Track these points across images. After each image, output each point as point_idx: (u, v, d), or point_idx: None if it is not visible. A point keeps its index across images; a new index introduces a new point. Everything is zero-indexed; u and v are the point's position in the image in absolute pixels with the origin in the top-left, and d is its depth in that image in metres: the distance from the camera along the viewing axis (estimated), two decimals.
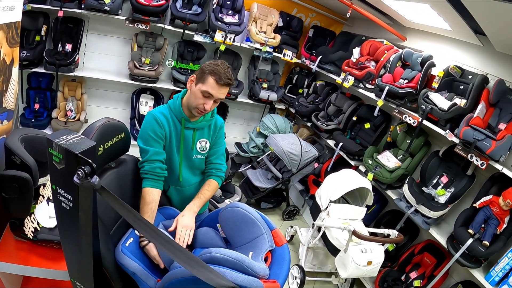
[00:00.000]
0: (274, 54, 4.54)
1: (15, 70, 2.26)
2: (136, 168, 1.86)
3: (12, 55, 2.16)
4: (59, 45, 3.79)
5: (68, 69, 3.72)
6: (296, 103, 4.65)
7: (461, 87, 2.85)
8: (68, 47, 3.80)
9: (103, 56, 4.23)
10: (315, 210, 3.14)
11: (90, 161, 1.05)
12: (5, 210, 1.89)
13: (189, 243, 1.73)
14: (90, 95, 4.23)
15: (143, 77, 4.09)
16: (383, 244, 2.74)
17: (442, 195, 2.84)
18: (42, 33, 3.66)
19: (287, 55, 4.53)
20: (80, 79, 4.05)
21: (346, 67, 3.81)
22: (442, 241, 2.73)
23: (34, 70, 3.66)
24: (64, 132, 1.13)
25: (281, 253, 1.61)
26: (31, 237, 1.91)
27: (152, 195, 1.78)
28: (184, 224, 1.74)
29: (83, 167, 1.04)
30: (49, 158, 1.12)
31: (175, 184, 2.01)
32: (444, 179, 2.94)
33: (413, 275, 2.99)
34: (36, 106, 3.89)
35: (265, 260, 1.56)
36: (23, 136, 1.96)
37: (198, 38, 4.22)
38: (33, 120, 3.78)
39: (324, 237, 2.92)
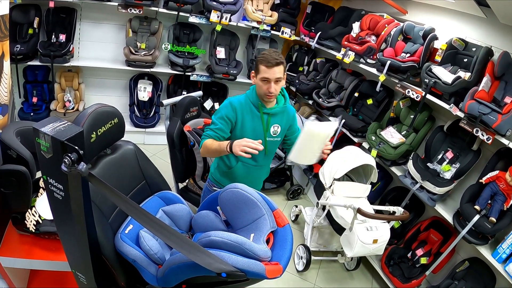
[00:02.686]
0: (272, 32, 4.45)
1: (7, 64, 2.22)
2: (133, 153, 1.84)
3: (2, 49, 2.12)
4: (53, 36, 3.74)
5: (64, 59, 3.68)
6: (297, 81, 4.56)
7: (465, 60, 2.76)
8: (62, 37, 3.74)
9: (98, 44, 4.17)
10: (319, 189, 3.12)
11: (76, 147, 1.02)
12: (5, 205, 1.90)
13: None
14: (87, 84, 4.20)
15: (139, 62, 4.04)
16: (388, 222, 2.71)
17: (447, 171, 2.79)
18: (35, 26, 3.60)
19: (286, 32, 4.43)
20: (76, 69, 4.01)
21: (346, 43, 3.71)
22: (448, 217, 2.70)
23: (29, 63, 3.62)
24: (51, 120, 1.10)
25: (283, 234, 1.57)
26: (33, 230, 1.92)
27: (206, 142, 2.03)
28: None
29: (69, 155, 1.01)
30: (37, 147, 1.10)
31: (248, 160, 2.14)
32: (449, 155, 2.89)
33: (419, 252, 2.98)
34: (34, 99, 3.87)
35: (267, 242, 1.53)
36: (18, 129, 1.94)
37: (193, 19, 4.14)
38: (32, 114, 3.76)
39: (329, 216, 2.91)
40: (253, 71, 2.04)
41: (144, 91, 4.31)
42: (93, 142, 1.50)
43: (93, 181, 1.10)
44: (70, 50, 3.71)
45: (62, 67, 3.85)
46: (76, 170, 1.02)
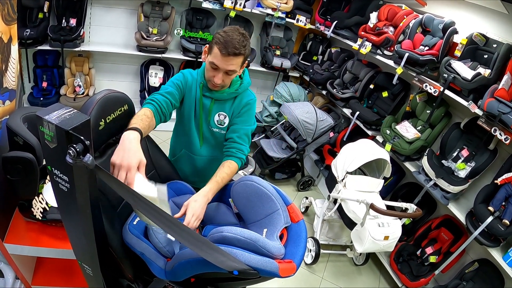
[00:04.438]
0: (287, 19, 4.35)
1: (14, 48, 2.17)
2: (143, 141, 1.68)
3: (10, 33, 2.07)
4: (63, 20, 3.67)
5: (74, 44, 3.62)
6: (311, 70, 4.47)
7: (485, 56, 2.65)
8: (73, 22, 3.67)
9: (109, 29, 4.10)
10: (331, 182, 3.06)
11: (82, 138, 0.95)
12: (12, 192, 1.87)
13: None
14: (98, 69, 4.17)
15: (151, 48, 3.98)
16: (400, 219, 2.66)
17: (462, 169, 2.71)
18: (45, 10, 3.53)
19: (301, 20, 4.32)
20: (87, 53, 3.96)
21: (363, 33, 3.60)
22: (461, 217, 2.64)
23: (39, 48, 3.57)
24: (56, 107, 1.03)
25: (297, 230, 1.50)
26: (40, 218, 1.89)
27: (145, 110, 1.61)
28: (195, 211, 1.57)
29: (74, 145, 0.94)
30: (41, 136, 1.03)
31: (189, 149, 1.94)
32: (465, 153, 2.80)
33: (429, 250, 2.92)
34: (44, 84, 3.83)
35: (281, 237, 1.47)
36: (26, 115, 1.89)
37: (206, 5, 4.05)
38: (41, 99, 3.74)
39: (340, 210, 2.85)
40: (206, 46, 1.71)
41: (155, 77, 4.26)
42: (102, 129, 1.45)
43: (101, 174, 1.04)
44: (81, 34, 3.65)
45: (72, 52, 3.80)
46: (82, 162, 0.96)
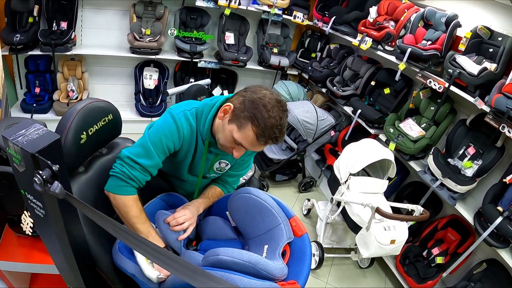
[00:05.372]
0: (284, 16, 4.23)
1: None
2: None
3: None
4: (54, 24, 3.57)
5: (65, 48, 3.52)
6: (309, 68, 4.37)
7: (490, 50, 2.55)
8: (63, 25, 3.57)
9: (101, 31, 3.99)
10: (333, 183, 2.96)
11: (48, 162, 0.84)
12: (0, 207, 1.79)
13: (183, 237, 1.47)
14: (91, 73, 4.05)
15: (144, 49, 3.88)
16: (407, 221, 2.56)
17: (469, 168, 2.61)
18: (35, 14, 3.43)
19: (298, 17, 4.21)
20: (79, 57, 3.85)
21: (362, 28, 3.49)
22: (468, 217, 2.54)
23: (30, 53, 3.48)
24: (25, 124, 0.92)
25: (301, 245, 1.38)
26: (30, 233, 1.81)
27: (138, 203, 1.43)
28: (188, 214, 1.49)
29: (40, 172, 0.84)
30: (9, 159, 0.93)
31: (176, 182, 1.79)
32: (471, 150, 2.70)
33: (435, 251, 2.83)
34: (37, 90, 3.73)
35: (283, 254, 1.36)
36: (10, 126, 1.81)
37: (200, 3, 3.94)
38: (34, 105, 3.63)
39: (343, 213, 2.76)
40: (229, 105, 1.35)
41: (150, 79, 4.15)
42: (84, 143, 1.34)
43: (73, 202, 0.94)
44: (72, 38, 3.55)
45: (64, 56, 3.69)
46: (49, 191, 0.86)
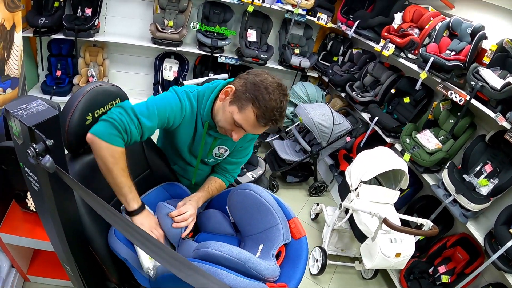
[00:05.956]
0: (308, 17, 4.17)
1: (18, 36, 2.13)
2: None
3: (14, 20, 2.02)
4: (79, 10, 3.64)
5: (88, 34, 3.59)
6: (330, 71, 4.31)
7: None
8: (88, 11, 3.64)
9: (125, 20, 4.04)
10: (344, 189, 2.90)
11: (43, 136, 0.87)
12: (7, 182, 1.86)
13: (186, 234, 1.47)
14: (112, 60, 4.13)
15: (166, 40, 3.89)
16: (415, 236, 2.48)
17: (484, 186, 2.51)
18: None
19: (322, 19, 4.14)
20: (102, 44, 3.92)
21: (386, 34, 3.41)
22: (479, 237, 2.44)
23: (53, 36, 3.56)
24: (27, 99, 0.95)
25: (297, 248, 1.36)
26: (34, 210, 1.85)
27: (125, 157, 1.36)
28: (191, 210, 1.48)
29: (33, 145, 0.86)
30: (10, 131, 0.96)
31: (184, 183, 1.79)
32: (488, 168, 2.58)
33: (441, 269, 2.73)
34: (58, 73, 3.82)
35: (278, 255, 1.34)
36: None
37: None
38: (54, 87, 3.72)
39: (351, 220, 2.70)
40: (231, 87, 1.38)
41: (170, 70, 4.18)
42: (89, 124, 1.34)
43: (64, 178, 0.95)
44: (96, 24, 3.61)
45: (87, 42, 3.77)
46: (40, 164, 0.88)
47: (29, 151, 0.86)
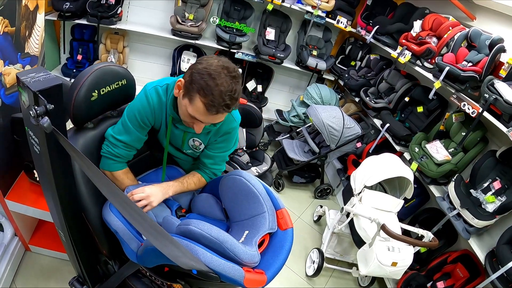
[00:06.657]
0: (327, 19, 4.14)
1: (41, 17, 2.21)
2: None
3: (37, 1, 2.10)
4: None
5: (110, 21, 3.67)
6: (346, 75, 4.29)
7: None
8: (112, 0, 3.72)
9: (147, 10, 4.11)
10: (348, 193, 2.89)
11: (45, 100, 0.96)
12: (18, 153, 1.97)
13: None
14: (132, 48, 4.21)
15: (185, 33, 3.94)
16: (413, 246, 2.45)
17: (490, 203, 2.45)
18: None
19: (341, 22, 4.12)
20: (123, 32, 4.00)
21: (404, 41, 3.37)
22: (481, 255, 2.37)
23: (77, 21, 3.66)
24: (37, 69, 1.07)
25: (281, 239, 1.38)
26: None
27: (129, 175, 1.59)
28: (146, 192, 1.45)
29: (35, 107, 0.96)
30: (19, 96, 1.08)
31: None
32: (497, 185, 2.51)
33: (440, 284, 2.66)
34: (79, 57, 3.93)
35: (261, 244, 1.35)
36: None
37: None
38: (74, 71, 3.83)
39: (351, 225, 2.68)
40: (181, 80, 1.35)
41: (188, 63, 4.24)
42: (94, 100, 1.42)
43: (60, 140, 1.03)
44: (118, 13, 3.70)
45: (108, 29, 3.86)
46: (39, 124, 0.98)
47: (31, 112, 0.96)
